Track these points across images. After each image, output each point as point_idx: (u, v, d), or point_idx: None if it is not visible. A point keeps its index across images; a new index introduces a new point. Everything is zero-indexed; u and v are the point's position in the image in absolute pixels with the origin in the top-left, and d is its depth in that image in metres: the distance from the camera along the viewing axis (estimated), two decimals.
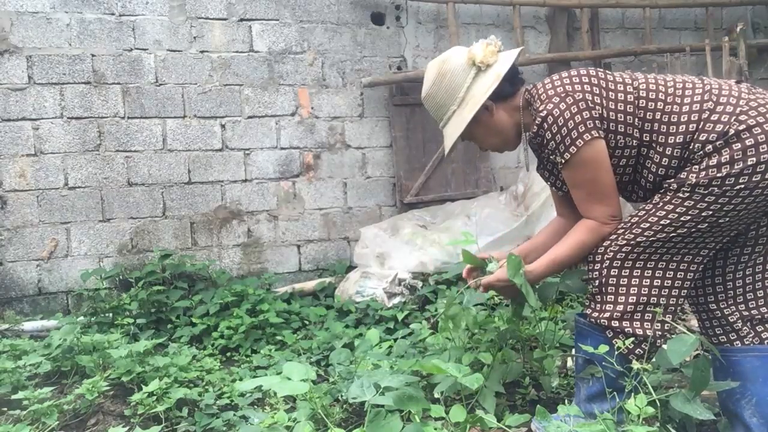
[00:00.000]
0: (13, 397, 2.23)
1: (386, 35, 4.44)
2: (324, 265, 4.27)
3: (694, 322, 3.07)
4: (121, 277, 3.75)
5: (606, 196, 1.79)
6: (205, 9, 4.00)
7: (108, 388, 2.36)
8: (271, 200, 4.17)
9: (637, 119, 1.75)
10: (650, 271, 1.76)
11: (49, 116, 3.70)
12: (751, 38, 5.00)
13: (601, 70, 1.85)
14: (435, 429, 1.73)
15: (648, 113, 1.74)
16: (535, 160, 2.00)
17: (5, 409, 2.26)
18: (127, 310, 3.36)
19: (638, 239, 1.74)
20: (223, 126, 4.05)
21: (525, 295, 1.88)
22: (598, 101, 1.75)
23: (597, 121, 1.73)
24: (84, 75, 3.76)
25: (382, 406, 1.75)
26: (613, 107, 1.75)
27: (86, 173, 3.78)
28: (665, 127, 1.72)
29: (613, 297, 1.79)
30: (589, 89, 1.75)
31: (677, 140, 1.71)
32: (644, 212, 1.75)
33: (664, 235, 1.71)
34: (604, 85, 1.77)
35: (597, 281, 1.82)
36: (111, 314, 3.35)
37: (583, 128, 1.72)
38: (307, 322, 3.52)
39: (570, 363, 2.51)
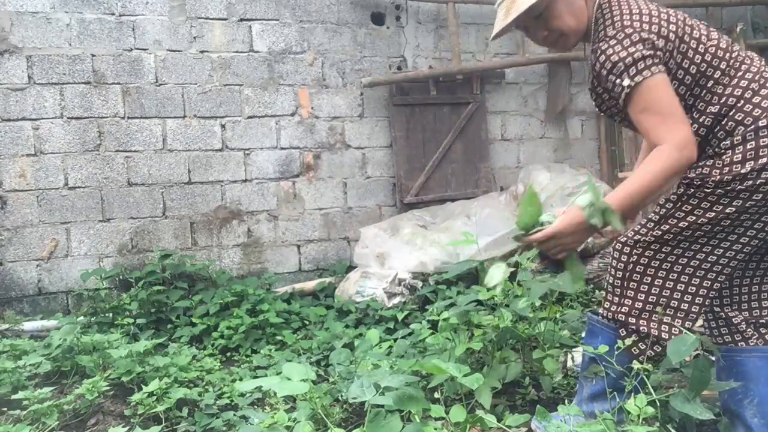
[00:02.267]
0: (13, 397, 2.23)
1: (386, 35, 4.44)
2: (324, 265, 4.27)
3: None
4: (121, 277, 3.76)
5: (676, 118, 1.64)
6: (205, 9, 4.00)
7: (108, 388, 2.36)
8: (271, 200, 4.17)
9: (690, 77, 1.71)
10: (675, 274, 1.73)
11: (49, 116, 3.70)
12: (751, 38, 5.00)
13: (685, 15, 1.74)
14: (435, 429, 1.73)
15: (702, 79, 1.71)
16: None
17: (5, 409, 2.26)
18: (127, 310, 3.36)
19: (665, 236, 1.71)
20: (223, 126, 4.05)
21: (609, 220, 1.63)
22: (669, 48, 1.68)
23: (661, 66, 1.66)
24: (84, 75, 3.76)
25: (382, 406, 1.75)
26: (677, 61, 1.70)
27: (86, 173, 3.78)
28: (709, 96, 1.70)
29: (633, 292, 1.76)
30: (665, 33, 1.68)
31: (713, 110, 1.68)
32: (671, 206, 1.72)
33: (690, 233, 1.69)
34: (680, 34, 1.70)
35: (620, 273, 1.78)
36: (111, 314, 3.35)
37: (650, 62, 1.64)
38: (307, 322, 3.52)
39: (570, 363, 2.51)
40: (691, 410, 1.67)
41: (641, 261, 1.75)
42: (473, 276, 3.63)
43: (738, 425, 1.82)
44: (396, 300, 3.54)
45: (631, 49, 1.65)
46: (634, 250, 1.76)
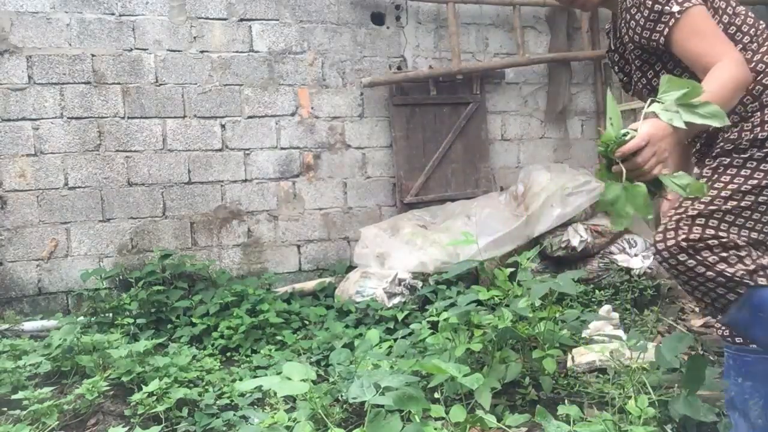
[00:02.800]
0: (13, 397, 2.23)
1: (386, 35, 4.44)
2: (324, 265, 4.27)
3: (693, 322, 3.07)
4: (121, 277, 3.75)
5: (727, 42, 1.64)
6: (205, 9, 4.00)
7: (108, 388, 2.37)
8: (271, 200, 4.17)
9: None
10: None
11: (49, 116, 3.70)
12: None
13: None
14: (435, 429, 1.73)
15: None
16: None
17: (5, 409, 2.26)
18: (127, 310, 3.36)
19: (710, 207, 1.65)
20: (223, 126, 4.05)
21: (693, 114, 1.43)
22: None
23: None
24: (84, 75, 3.76)
25: (382, 406, 1.75)
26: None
27: (86, 173, 3.78)
28: None
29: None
30: None
31: None
32: (706, 180, 1.67)
33: (735, 203, 1.64)
34: None
35: (692, 273, 1.66)
36: (111, 314, 3.35)
37: None
38: (307, 322, 3.52)
39: (570, 363, 2.51)
40: (693, 413, 1.66)
41: (692, 235, 1.63)
42: (473, 276, 3.63)
43: (741, 425, 1.82)
44: (396, 300, 3.54)
45: None
46: (681, 237, 1.64)
